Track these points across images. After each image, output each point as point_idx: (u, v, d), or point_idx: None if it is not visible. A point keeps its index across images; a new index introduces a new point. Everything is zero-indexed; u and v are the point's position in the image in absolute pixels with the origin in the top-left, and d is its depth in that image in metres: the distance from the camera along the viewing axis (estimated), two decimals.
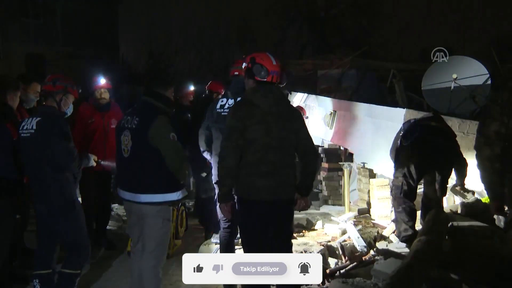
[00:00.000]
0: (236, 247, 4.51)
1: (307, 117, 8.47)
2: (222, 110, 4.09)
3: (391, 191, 4.67)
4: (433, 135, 4.48)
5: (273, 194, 3.19)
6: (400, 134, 4.69)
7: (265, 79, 3.25)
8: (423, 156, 4.43)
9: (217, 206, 4.06)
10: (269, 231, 3.29)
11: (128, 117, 3.42)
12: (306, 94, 9.46)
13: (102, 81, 5.02)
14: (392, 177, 4.82)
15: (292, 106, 3.48)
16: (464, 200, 4.81)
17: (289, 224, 3.43)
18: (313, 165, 3.40)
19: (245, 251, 3.38)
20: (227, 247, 4.02)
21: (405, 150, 4.52)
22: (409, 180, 4.50)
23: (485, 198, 5.17)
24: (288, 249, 3.37)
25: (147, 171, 3.29)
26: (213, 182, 4.11)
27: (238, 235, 4.42)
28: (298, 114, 3.39)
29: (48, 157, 3.48)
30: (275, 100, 3.23)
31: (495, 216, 4.37)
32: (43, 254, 3.66)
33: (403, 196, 4.50)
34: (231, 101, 4.05)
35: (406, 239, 4.41)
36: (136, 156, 3.31)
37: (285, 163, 3.22)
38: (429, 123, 4.64)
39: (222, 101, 4.15)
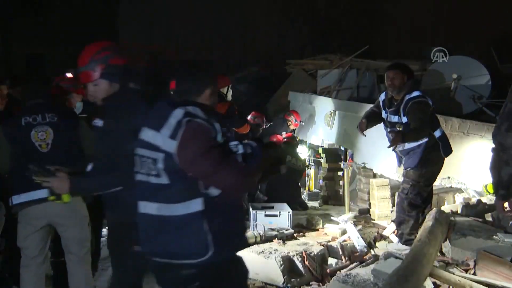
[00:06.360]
0: None
1: (301, 122, 8.45)
2: None
3: (407, 194, 4.49)
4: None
5: None
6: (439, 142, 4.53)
7: None
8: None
9: None
10: None
11: None
12: (306, 94, 9.46)
13: None
14: (391, 177, 4.80)
15: None
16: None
17: None
18: None
19: None
20: None
21: (441, 160, 4.53)
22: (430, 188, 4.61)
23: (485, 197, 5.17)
24: None
25: None
26: None
27: None
28: None
29: None
30: None
31: (494, 216, 4.38)
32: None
33: (421, 203, 4.49)
34: None
35: (410, 243, 4.37)
36: None
37: None
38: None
39: None
